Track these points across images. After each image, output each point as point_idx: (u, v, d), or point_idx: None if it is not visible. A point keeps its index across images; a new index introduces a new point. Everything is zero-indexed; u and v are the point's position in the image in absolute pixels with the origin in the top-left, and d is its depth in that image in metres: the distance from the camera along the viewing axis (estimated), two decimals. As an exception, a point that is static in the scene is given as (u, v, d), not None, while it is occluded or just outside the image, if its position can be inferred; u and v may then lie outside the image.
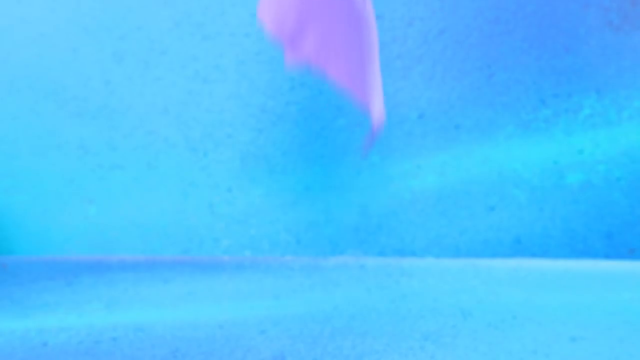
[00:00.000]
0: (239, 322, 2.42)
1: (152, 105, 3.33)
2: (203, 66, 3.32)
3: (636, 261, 3.25)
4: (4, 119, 3.33)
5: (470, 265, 3.20)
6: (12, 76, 3.32)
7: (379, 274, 3.06)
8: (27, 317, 2.49)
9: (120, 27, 3.30)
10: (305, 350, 2.15)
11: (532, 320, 2.43)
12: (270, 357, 2.09)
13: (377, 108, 1.67)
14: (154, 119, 3.34)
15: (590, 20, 3.22)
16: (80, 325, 2.40)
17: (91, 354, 2.13)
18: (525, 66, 3.26)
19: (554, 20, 3.23)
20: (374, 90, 1.65)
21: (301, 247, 3.36)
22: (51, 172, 3.36)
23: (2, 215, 3.36)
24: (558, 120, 3.28)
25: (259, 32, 3.29)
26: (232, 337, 2.27)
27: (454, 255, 3.34)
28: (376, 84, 1.67)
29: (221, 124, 3.34)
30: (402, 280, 2.98)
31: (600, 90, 3.25)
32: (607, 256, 3.29)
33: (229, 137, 3.35)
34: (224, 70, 3.32)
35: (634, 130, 3.25)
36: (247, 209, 3.37)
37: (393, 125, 3.31)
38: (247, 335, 2.29)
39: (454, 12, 3.26)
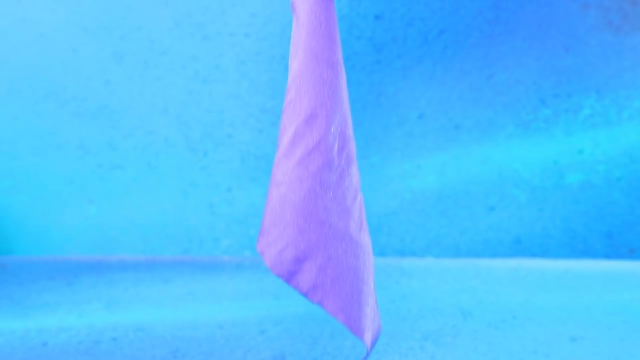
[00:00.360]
0: (239, 322, 2.42)
1: (152, 105, 3.33)
2: (203, 66, 3.32)
3: (636, 261, 3.25)
4: (4, 119, 3.33)
5: (470, 265, 3.20)
6: (12, 76, 3.32)
7: (379, 274, 3.06)
8: (27, 317, 2.49)
9: (120, 27, 3.30)
10: (305, 350, 2.15)
11: (532, 320, 2.43)
12: (270, 357, 2.09)
13: (372, 329, 1.71)
14: (154, 119, 3.34)
15: (590, 20, 3.22)
16: (80, 325, 2.40)
17: (91, 354, 2.13)
18: (525, 66, 3.26)
19: (554, 20, 3.23)
20: (369, 314, 1.69)
21: (301, 247, 3.35)
22: (51, 172, 3.36)
23: (2, 215, 3.36)
24: (558, 120, 3.28)
25: (259, 32, 3.29)
26: (232, 337, 2.27)
27: (454, 255, 3.34)
28: (370, 305, 1.70)
29: (221, 124, 3.34)
30: (402, 280, 2.98)
31: (600, 90, 3.25)
32: (607, 256, 3.29)
33: (229, 137, 3.35)
34: (224, 70, 3.32)
35: (634, 130, 3.25)
36: (247, 209, 3.37)
37: (393, 125, 3.31)
38: (247, 335, 2.29)
39: (454, 12, 3.26)
